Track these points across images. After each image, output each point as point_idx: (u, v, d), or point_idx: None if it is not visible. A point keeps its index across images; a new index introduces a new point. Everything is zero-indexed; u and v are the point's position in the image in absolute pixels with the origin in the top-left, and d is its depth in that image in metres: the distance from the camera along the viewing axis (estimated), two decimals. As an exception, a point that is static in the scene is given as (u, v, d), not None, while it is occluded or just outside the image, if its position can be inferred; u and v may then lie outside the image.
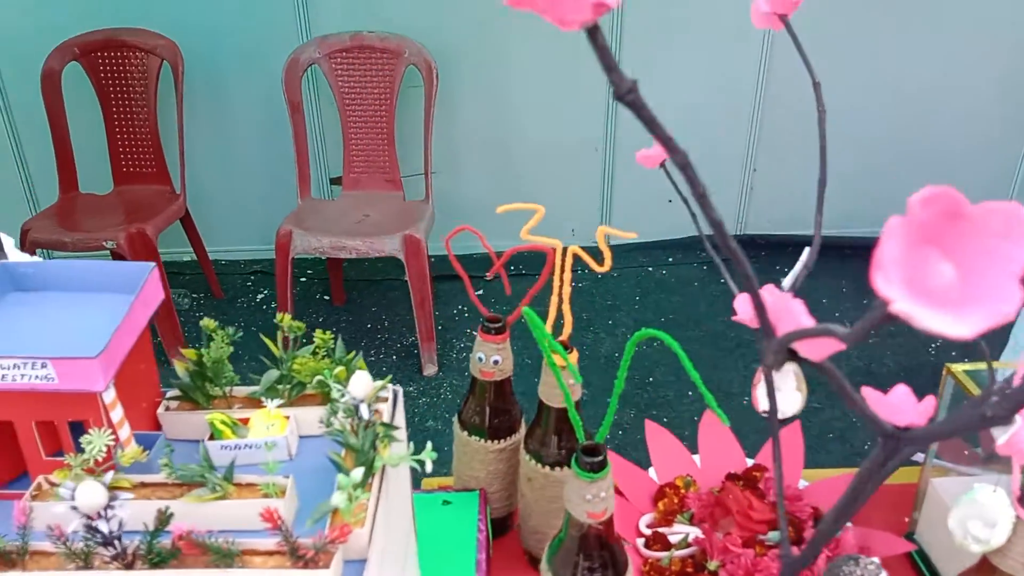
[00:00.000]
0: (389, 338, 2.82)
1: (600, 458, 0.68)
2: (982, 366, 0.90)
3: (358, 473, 0.54)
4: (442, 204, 2.87)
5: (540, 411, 0.86)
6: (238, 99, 2.94)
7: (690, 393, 2.52)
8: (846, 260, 2.77)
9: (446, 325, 2.85)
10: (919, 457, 0.99)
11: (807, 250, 0.73)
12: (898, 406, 0.46)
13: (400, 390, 0.69)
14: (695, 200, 0.31)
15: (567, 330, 0.86)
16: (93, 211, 2.69)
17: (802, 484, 1.03)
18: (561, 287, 0.83)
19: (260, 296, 3.02)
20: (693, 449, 1.07)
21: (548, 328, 0.83)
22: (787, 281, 0.73)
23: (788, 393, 0.70)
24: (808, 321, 0.37)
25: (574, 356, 0.83)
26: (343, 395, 0.57)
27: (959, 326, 0.22)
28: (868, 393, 0.48)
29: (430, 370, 2.61)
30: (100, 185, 2.80)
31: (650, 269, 3.18)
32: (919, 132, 3.14)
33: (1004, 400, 0.41)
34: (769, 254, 3.27)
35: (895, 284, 0.22)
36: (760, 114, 3.08)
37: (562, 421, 0.85)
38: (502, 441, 0.91)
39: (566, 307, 0.82)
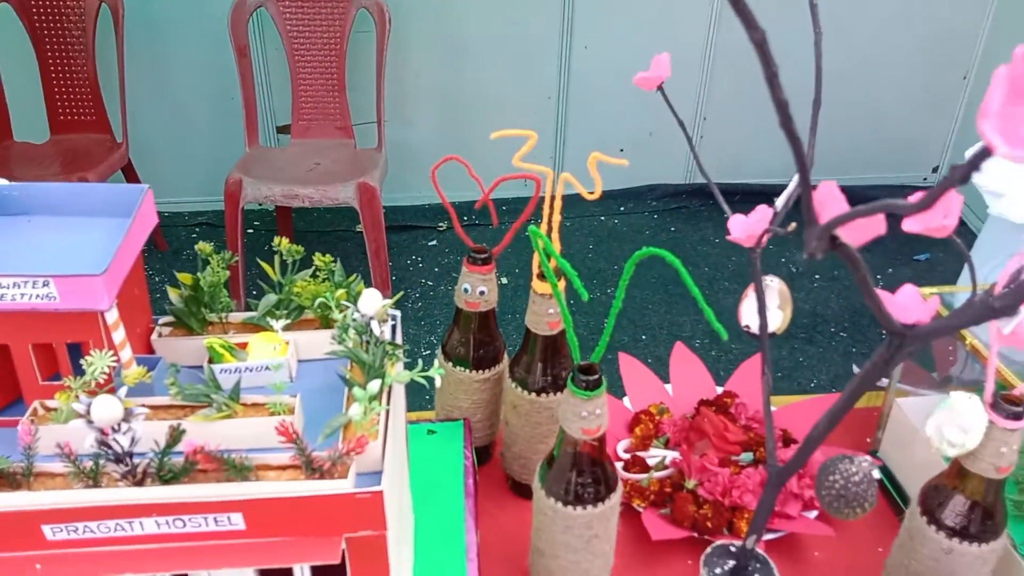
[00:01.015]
0: (343, 289, 2.80)
1: (596, 376, 0.70)
2: (946, 289, 0.94)
3: (375, 385, 0.54)
4: (394, 153, 2.84)
5: (527, 339, 0.87)
6: (182, 44, 2.84)
7: (643, 337, 2.57)
8: (791, 207, 2.83)
9: (400, 276, 2.83)
10: (883, 382, 1.03)
11: (796, 176, 0.74)
12: (905, 305, 0.49)
13: (399, 314, 0.69)
14: (766, 81, 0.32)
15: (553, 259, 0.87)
16: (28, 161, 2.59)
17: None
18: (551, 215, 0.83)
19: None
20: (664, 380, 1.10)
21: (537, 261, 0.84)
22: (780, 201, 0.75)
23: (771, 310, 0.72)
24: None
25: (562, 284, 0.84)
26: (354, 313, 0.57)
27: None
28: (879, 293, 0.50)
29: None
30: (36, 134, 2.69)
31: (602, 218, 3.21)
32: (860, 84, 3.21)
33: (1011, 293, 0.43)
34: (741, 202, 3.31)
35: (996, 132, 0.24)
36: (711, 64, 3.11)
37: (547, 349, 0.87)
38: (486, 371, 0.92)
39: (555, 235, 0.83)
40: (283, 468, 0.55)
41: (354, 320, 0.57)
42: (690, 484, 0.92)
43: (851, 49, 3.12)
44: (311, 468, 0.54)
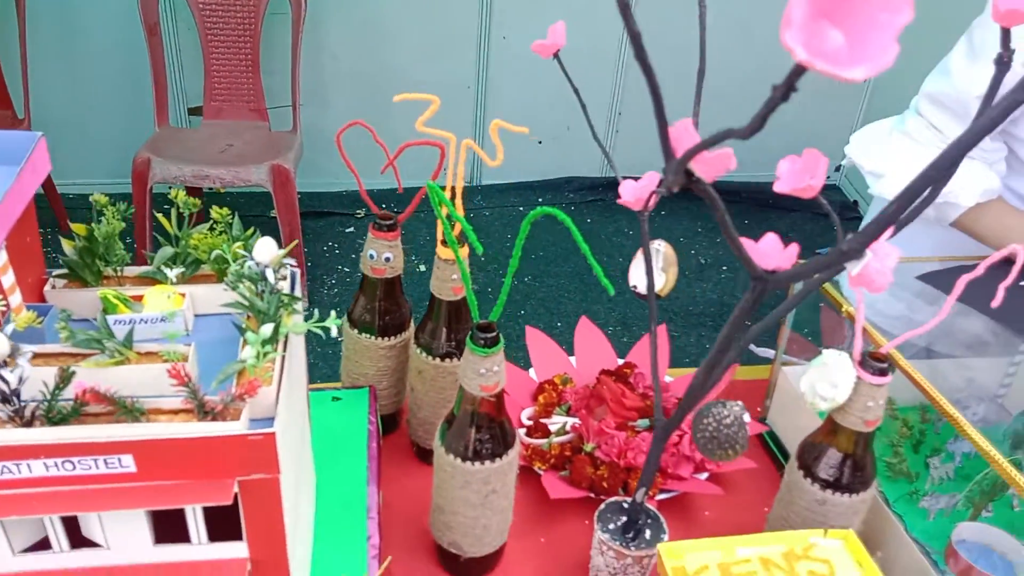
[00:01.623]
0: (257, 274, 2.76)
1: (493, 334, 0.72)
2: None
3: (268, 328, 0.55)
4: (311, 139, 2.81)
5: (431, 305, 0.89)
6: (89, 19, 2.74)
7: (559, 324, 2.61)
8: (703, 204, 2.92)
9: (315, 262, 2.81)
10: (769, 354, 1.09)
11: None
12: (767, 252, 0.52)
13: (298, 271, 0.70)
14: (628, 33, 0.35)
15: (458, 225, 0.89)
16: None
17: (668, 379, 1.11)
18: (455, 181, 0.85)
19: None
20: (569, 353, 1.14)
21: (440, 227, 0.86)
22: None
23: (657, 272, 0.76)
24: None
25: (464, 251, 0.86)
26: (248, 261, 0.58)
27: (850, 73, 0.27)
28: (743, 241, 0.54)
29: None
30: (-71, 108, 2.57)
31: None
32: (768, 86, 3.32)
33: (857, 237, 0.47)
34: (683, 197, 3.39)
35: (798, 43, 0.27)
36: (626, 58, 3.17)
37: (451, 314, 0.89)
38: (392, 338, 0.93)
39: (459, 202, 0.85)
40: (176, 412, 0.55)
41: (248, 267, 0.58)
42: (588, 447, 0.95)
43: (759, 55, 3.23)
44: (203, 411, 0.54)
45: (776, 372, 1.03)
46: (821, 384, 0.74)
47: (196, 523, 0.58)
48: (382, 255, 0.89)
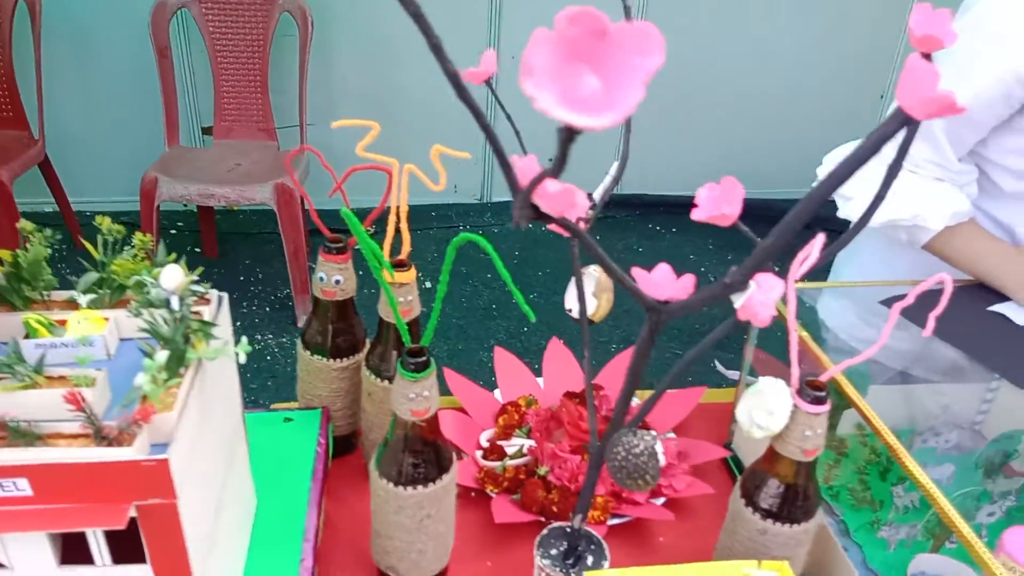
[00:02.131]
0: (263, 290, 2.78)
1: (423, 359, 0.71)
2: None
3: (162, 356, 0.56)
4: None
5: (380, 328, 0.89)
6: (102, 42, 2.81)
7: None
8: (765, 224, 2.90)
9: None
10: (735, 375, 1.07)
11: (615, 163, 0.77)
12: (660, 282, 0.52)
13: (225, 296, 0.70)
14: (431, 50, 0.35)
15: (405, 248, 0.89)
16: (-59, 155, 2.53)
17: (635, 402, 1.10)
18: (399, 206, 0.85)
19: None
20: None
21: (387, 250, 0.86)
22: (597, 193, 0.78)
23: (588, 297, 0.75)
24: (554, 184, 0.41)
25: (412, 273, 0.86)
26: (154, 287, 0.58)
27: (596, 121, 0.26)
28: (636, 272, 0.53)
29: (304, 321, 2.60)
30: (-51, 128, 2.64)
31: (530, 227, 3.24)
32: (784, 105, 3.30)
33: (740, 270, 0.46)
34: (644, 213, 3.38)
35: (545, 90, 0.26)
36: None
37: (400, 337, 0.88)
38: (344, 360, 0.93)
39: (403, 225, 0.85)
40: (75, 437, 0.55)
41: (154, 294, 0.58)
42: (542, 471, 0.94)
43: (776, 73, 3.21)
44: (100, 437, 0.55)
45: (740, 395, 1.02)
46: (758, 412, 0.72)
47: (99, 546, 0.58)
48: (332, 278, 0.89)
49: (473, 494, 0.96)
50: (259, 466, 0.86)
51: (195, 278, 0.60)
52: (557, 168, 0.34)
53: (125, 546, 0.59)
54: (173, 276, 0.58)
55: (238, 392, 0.77)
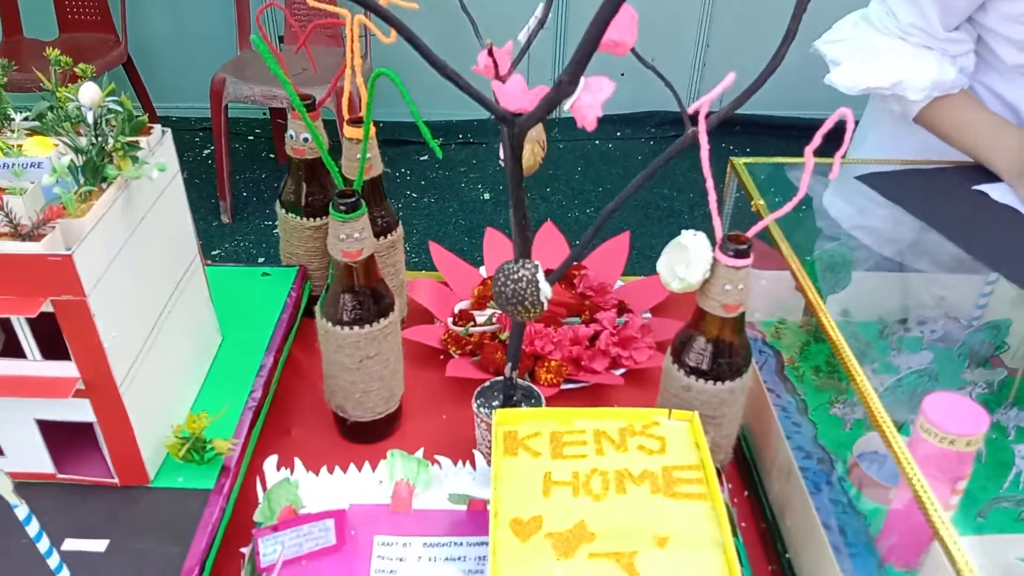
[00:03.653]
0: (329, 195, 2.88)
1: (353, 200, 0.74)
2: (762, 159, 0.96)
3: (66, 159, 0.60)
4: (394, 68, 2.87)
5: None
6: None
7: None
8: (791, 140, 2.80)
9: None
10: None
11: (541, 5, 0.77)
12: (512, 93, 0.52)
13: (169, 131, 0.74)
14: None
15: (363, 103, 0.91)
16: (36, 55, 2.70)
17: (618, 284, 1.10)
18: (352, 57, 0.87)
19: (206, 151, 3.06)
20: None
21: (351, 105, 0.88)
22: (522, 34, 0.78)
23: (528, 149, 0.76)
24: None
25: (366, 131, 0.87)
26: (72, 103, 0.63)
27: None
28: (494, 84, 0.54)
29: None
30: (45, 31, 2.80)
31: (596, 142, 3.21)
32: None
33: (569, 68, 0.47)
34: (717, 130, 3.28)
35: None
36: (714, -14, 3.05)
37: (368, 194, 0.91)
38: (318, 220, 0.97)
39: (359, 79, 0.87)
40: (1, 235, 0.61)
41: (71, 107, 0.63)
42: (504, 336, 0.97)
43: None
44: (19, 235, 0.60)
45: (716, 276, 1.01)
46: (678, 265, 0.72)
47: (28, 342, 0.64)
48: (300, 135, 0.92)
49: (441, 356, 1.00)
50: (230, 312, 0.92)
51: (110, 90, 0.64)
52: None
53: (53, 344, 0.65)
54: (90, 92, 0.62)
55: (192, 233, 0.82)
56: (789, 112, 3.11)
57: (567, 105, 0.48)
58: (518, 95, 0.51)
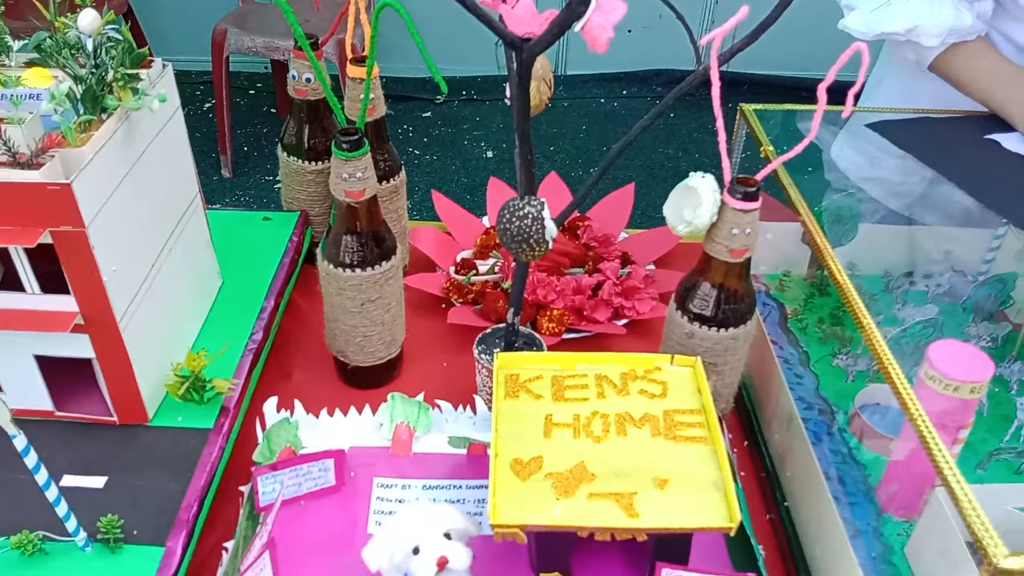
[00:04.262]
0: (331, 151, 2.85)
1: (356, 138, 0.73)
2: (772, 106, 0.95)
3: (64, 86, 0.59)
4: (393, 22, 2.83)
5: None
6: None
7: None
8: (799, 102, 2.76)
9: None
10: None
11: None
12: (521, 17, 0.51)
13: (171, 65, 0.73)
14: None
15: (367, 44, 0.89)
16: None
17: (623, 236, 1.09)
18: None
19: (207, 105, 3.03)
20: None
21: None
22: None
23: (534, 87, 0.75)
24: None
25: (371, 71, 0.86)
26: (70, 30, 0.61)
27: None
28: (502, 8, 0.52)
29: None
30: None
31: (602, 101, 3.17)
32: None
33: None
34: (724, 90, 3.24)
35: None
36: (724, -57, 3.00)
37: (370, 135, 0.90)
38: (319, 163, 0.96)
39: (364, 17, 0.85)
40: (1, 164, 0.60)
41: (70, 34, 0.61)
42: (505, 284, 0.96)
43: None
44: (19, 164, 0.59)
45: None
46: (685, 208, 0.71)
47: (26, 274, 0.63)
48: (303, 75, 0.91)
49: (443, 305, 0.99)
50: (231, 256, 0.91)
51: (110, 18, 0.63)
52: None
53: (52, 279, 0.64)
54: (89, 18, 0.61)
55: (192, 171, 0.81)
56: (797, 72, 3.07)
57: (578, 27, 0.46)
58: (527, 19, 0.50)
